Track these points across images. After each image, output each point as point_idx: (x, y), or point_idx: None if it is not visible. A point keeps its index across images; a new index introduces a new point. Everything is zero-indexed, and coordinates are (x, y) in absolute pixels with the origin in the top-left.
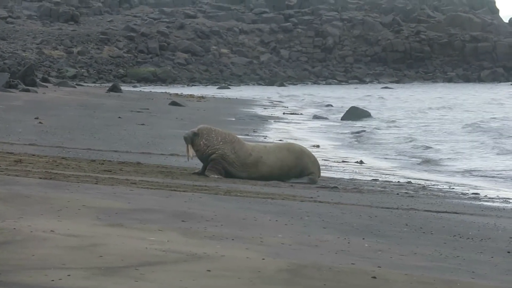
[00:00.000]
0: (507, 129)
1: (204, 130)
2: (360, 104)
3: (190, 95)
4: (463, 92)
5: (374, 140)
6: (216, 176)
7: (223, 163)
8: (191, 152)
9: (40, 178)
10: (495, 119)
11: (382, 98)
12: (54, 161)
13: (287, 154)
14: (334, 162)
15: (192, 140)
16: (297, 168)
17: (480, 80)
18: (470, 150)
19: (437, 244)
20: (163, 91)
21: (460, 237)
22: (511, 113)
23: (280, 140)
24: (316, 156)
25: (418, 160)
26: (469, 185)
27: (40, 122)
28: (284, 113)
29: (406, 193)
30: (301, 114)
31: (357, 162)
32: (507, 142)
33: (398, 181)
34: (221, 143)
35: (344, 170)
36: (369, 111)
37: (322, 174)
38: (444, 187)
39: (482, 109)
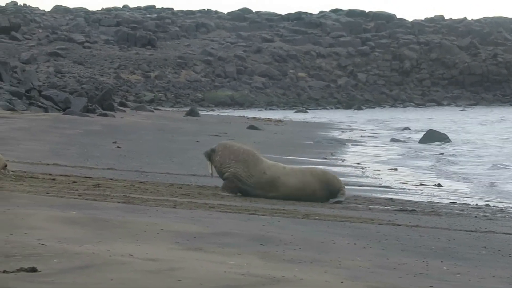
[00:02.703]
0: None
1: (220, 147)
2: (438, 127)
3: (268, 118)
4: None
5: (452, 163)
6: (226, 193)
7: (236, 182)
8: (211, 168)
9: (119, 202)
10: None
11: (460, 121)
12: (132, 185)
13: (311, 178)
14: (412, 185)
15: (209, 156)
16: (324, 190)
17: None
18: None
19: None
20: (241, 115)
21: None
22: None
23: (358, 164)
24: (394, 179)
25: (495, 185)
26: None
27: (118, 147)
28: (361, 136)
29: (484, 215)
30: (378, 137)
31: (435, 185)
32: None
33: (476, 204)
34: (233, 161)
35: (422, 193)
36: (447, 134)
37: (400, 197)
38: None
39: None
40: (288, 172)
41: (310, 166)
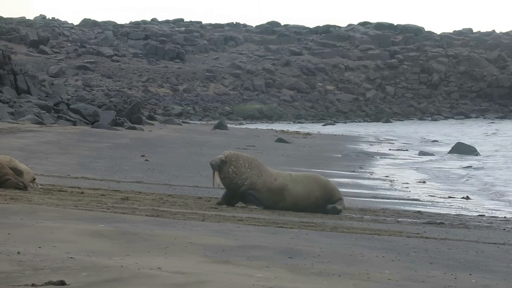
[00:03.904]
0: None
1: (232, 157)
2: (466, 140)
3: (296, 131)
4: None
5: (481, 176)
6: (255, 207)
7: (254, 194)
8: (218, 179)
9: (147, 215)
10: None
11: (488, 134)
12: (160, 198)
13: (315, 186)
14: (440, 198)
15: (219, 167)
16: (324, 198)
17: None
18: None
19: None
20: (269, 128)
21: None
22: None
23: (386, 176)
24: (422, 192)
25: None
26: None
27: (146, 160)
28: (390, 149)
29: None
30: (407, 150)
31: (463, 197)
32: None
33: (505, 217)
34: (248, 169)
35: (451, 205)
36: (475, 146)
37: (428, 210)
38: None
39: None
40: (295, 179)
41: (314, 173)
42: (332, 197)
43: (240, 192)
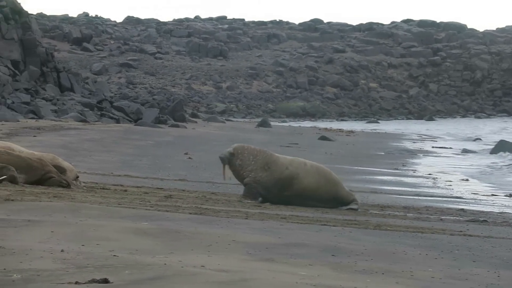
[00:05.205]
0: None
1: (239, 149)
2: (510, 138)
3: (339, 129)
4: None
5: None
6: (249, 201)
7: (256, 187)
8: (228, 173)
9: (190, 213)
10: None
11: None
12: (203, 196)
13: (325, 182)
14: (483, 195)
15: (229, 160)
16: (330, 195)
17: None
18: None
19: None
20: (312, 125)
21: None
22: None
23: (429, 174)
24: (465, 189)
25: None
26: None
27: (189, 158)
28: (433, 147)
29: None
30: (450, 147)
31: (506, 195)
32: None
33: None
34: (252, 162)
35: (494, 203)
36: None
37: (471, 208)
38: None
39: None
40: (308, 170)
41: (327, 169)
42: (340, 196)
43: (244, 183)
